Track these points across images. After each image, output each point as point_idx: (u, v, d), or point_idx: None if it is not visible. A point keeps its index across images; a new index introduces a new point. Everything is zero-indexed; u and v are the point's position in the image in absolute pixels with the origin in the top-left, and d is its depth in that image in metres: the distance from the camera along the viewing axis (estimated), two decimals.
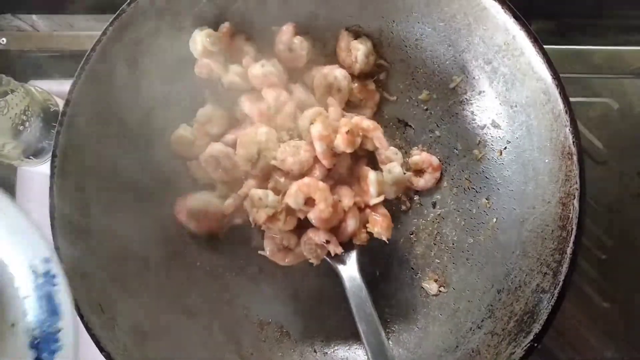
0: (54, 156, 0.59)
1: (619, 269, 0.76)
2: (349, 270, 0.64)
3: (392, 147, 0.70)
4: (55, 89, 0.73)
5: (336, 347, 0.67)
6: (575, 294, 0.75)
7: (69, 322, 0.50)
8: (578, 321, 0.75)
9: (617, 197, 0.78)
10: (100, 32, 0.60)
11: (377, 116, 0.71)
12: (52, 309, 0.50)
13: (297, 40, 0.67)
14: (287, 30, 0.67)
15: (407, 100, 0.70)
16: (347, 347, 0.67)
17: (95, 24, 0.89)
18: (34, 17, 0.90)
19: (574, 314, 0.75)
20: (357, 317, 0.60)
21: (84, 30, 0.89)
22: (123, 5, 0.60)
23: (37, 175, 0.80)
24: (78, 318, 0.51)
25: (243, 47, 0.67)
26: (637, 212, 0.77)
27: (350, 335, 0.68)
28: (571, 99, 0.56)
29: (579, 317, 0.75)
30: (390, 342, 0.66)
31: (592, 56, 0.81)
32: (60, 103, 0.72)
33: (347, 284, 0.63)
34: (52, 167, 0.59)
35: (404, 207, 0.70)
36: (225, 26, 0.66)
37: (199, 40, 0.64)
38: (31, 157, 0.68)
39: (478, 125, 0.66)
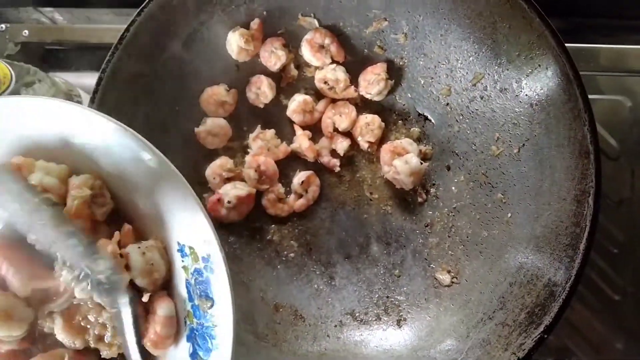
0: None
1: (631, 262, 0.78)
2: None
3: (406, 139, 0.72)
4: (74, 80, 0.75)
5: (349, 332, 0.68)
6: (588, 287, 0.77)
7: (226, 319, 0.47)
8: (590, 313, 0.77)
9: (629, 192, 0.80)
10: (117, 25, 0.61)
11: (396, 108, 0.73)
12: (210, 300, 0.48)
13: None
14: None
15: (428, 95, 0.71)
16: (360, 333, 0.69)
17: (113, 18, 0.91)
18: (54, 10, 0.92)
19: (586, 306, 0.77)
20: None
21: (102, 24, 0.91)
22: None
23: None
24: (234, 317, 0.47)
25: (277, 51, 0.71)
26: None
27: (362, 322, 0.69)
28: None
29: (591, 309, 0.77)
30: (403, 330, 0.68)
31: (601, 55, 0.83)
32: (82, 94, 0.74)
33: None
34: None
35: (420, 199, 0.72)
36: (255, 22, 0.68)
37: (234, 41, 0.67)
38: None
39: (497, 122, 0.67)
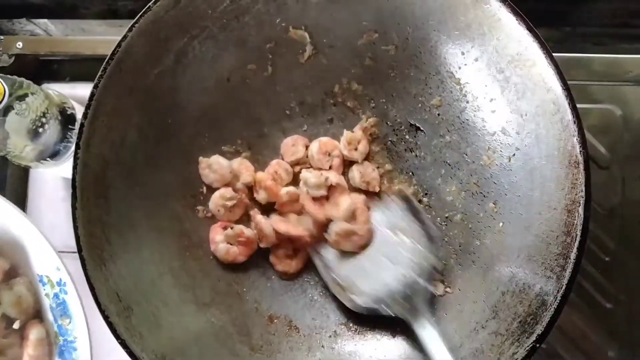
0: (77, 147, 0.61)
1: (622, 270, 0.79)
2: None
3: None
4: (67, 92, 0.76)
5: (344, 343, 0.69)
6: (579, 295, 0.78)
7: (82, 332, 0.54)
8: (582, 321, 0.77)
9: (619, 201, 0.81)
10: (111, 37, 0.62)
11: (388, 119, 0.74)
12: (68, 317, 0.57)
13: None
14: None
15: (420, 105, 0.72)
16: (354, 343, 0.69)
17: (107, 29, 0.91)
18: (47, 21, 0.92)
19: (577, 314, 0.77)
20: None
21: (96, 35, 0.91)
22: (149, 4, 0.62)
23: (49, 177, 0.83)
24: (88, 326, 0.55)
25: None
26: (639, 215, 0.81)
27: (357, 332, 0.70)
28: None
29: (583, 318, 0.77)
30: (397, 339, 0.68)
31: (592, 63, 0.84)
32: (75, 105, 0.74)
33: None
34: (75, 158, 0.61)
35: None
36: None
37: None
38: (48, 158, 0.70)
39: (488, 132, 0.67)
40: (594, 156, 0.81)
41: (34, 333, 0.57)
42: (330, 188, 0.72)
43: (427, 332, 0.62)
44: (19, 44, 0.88)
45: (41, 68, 0.89)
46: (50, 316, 0.58)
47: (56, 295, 0.57)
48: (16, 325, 0.57)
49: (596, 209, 0.80)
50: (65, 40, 0.91)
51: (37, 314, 0.59)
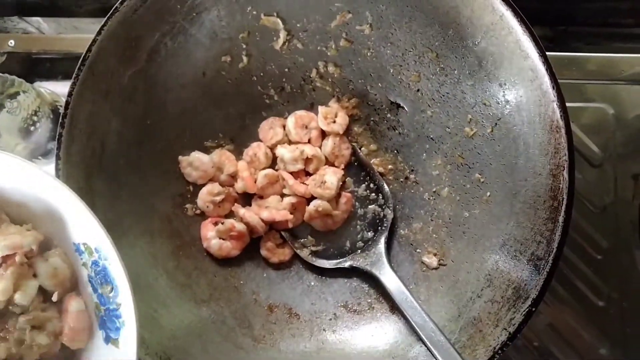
0: (57, 159, 0.60)
1: (615, 269, 0.80)
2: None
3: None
4: (60, 90, 0.75)
5: (344, 325, 0.70)
6: (571, 293, 0.79)
7: (126, 297, 0.52)
8: (574, 319, 0.78)
9: (612, 199, 0.81)
10: None
11: (368, 99, 0.74)
12: (110, 284, 0.53)
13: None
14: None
15: (399, 82, 0.72)
16: (354, 323, 0.70)
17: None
18: (40, 20, 0.91)
19: (570, 312, 0.79)
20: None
21: (89, 33, 0.90)
22: (116, 4, 0.60)
23: None
24: (132, 292, 0.52)
25: None
26: (631, 214, 0.81)
27: (356, 312, 0.70)
28: (568, 104, 0.58)
29: (575, 316, 0.79)
30: (396, 315, 0.69)
31: (586, 63, 0.85)
32: None
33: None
34: (57, 170, 0.60)
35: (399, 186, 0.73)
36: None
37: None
38: (40, 157, 0.69)
39: (469, 104, 0.68)
40: (586, 154, 0.82)
41: (73, 305, 0.55)
42: (307, 161, 0.72)
43: (386, 276, 0.68)
44: (11, 42, 0.87)
45: (33, 66, 0.87)
46: (88, 288, 0.55)
47: (95, 263, 0.54)
48: (54, 298, 0.54)
49: (588, 208, 0.81)
50: (58, 39, 0.90)
51: (74, 288, 0.57)
